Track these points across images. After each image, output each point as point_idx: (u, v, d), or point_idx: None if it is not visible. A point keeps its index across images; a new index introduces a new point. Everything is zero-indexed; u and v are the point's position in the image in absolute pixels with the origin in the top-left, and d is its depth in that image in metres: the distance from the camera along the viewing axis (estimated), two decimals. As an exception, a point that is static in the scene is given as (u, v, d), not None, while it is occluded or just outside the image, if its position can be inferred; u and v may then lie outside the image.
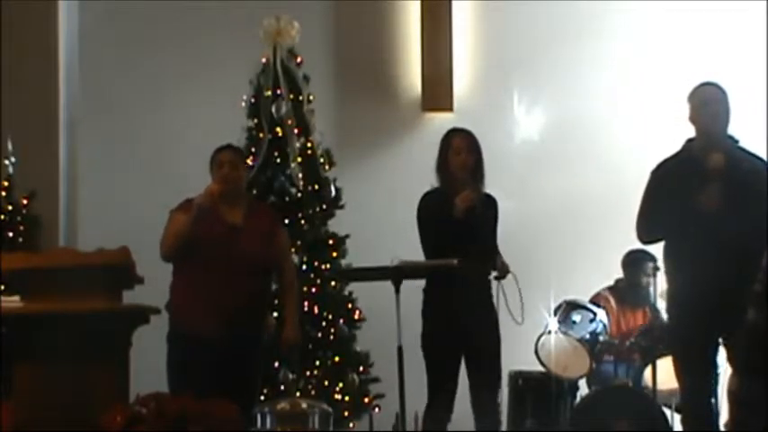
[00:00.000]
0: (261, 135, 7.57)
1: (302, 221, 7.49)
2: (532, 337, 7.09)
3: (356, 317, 7.54)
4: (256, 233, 6.07)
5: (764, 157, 5.93)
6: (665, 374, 7.08)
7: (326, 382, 7.29)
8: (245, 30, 7.93)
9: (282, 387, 7.05)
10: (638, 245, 7.73)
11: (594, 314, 7.31)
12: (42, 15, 8.25)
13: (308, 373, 7.30)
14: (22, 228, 7.49)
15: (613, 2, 8.81)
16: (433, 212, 6.12)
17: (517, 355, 7.11)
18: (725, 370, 5.45)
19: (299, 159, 7.54)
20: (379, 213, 8.53)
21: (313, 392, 7.13)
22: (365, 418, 7.41)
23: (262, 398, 6.77)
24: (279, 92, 7.59)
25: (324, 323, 7.40)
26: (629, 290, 7.80)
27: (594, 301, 7.64)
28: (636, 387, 7.22)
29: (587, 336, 7.24)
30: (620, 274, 7.90)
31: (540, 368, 7.16)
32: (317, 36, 8.69)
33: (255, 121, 7.62)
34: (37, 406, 5.20)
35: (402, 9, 8.95)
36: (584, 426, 6.84)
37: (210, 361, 5.83)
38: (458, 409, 6.12)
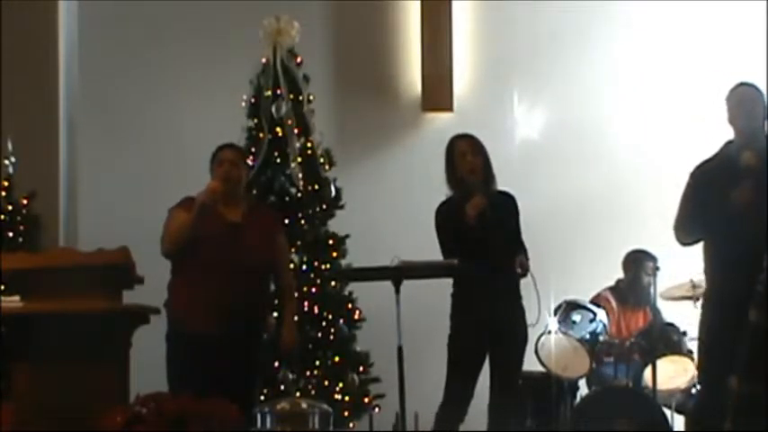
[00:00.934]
0: (261, 135, 7.57)
1: (302, 221, 7.49)
2: (532, 337, 7.08)
3: (356, 317, 7.53)
4: (256, 232, 6.07)
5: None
6: (665, 374, 7.10)
7: (326, 382, 7.29)
8: (245, 30, 7.93)
9: (282, 387, 7.05)
10: (637, 244, 7.79)
11: (594, 314, 7.31)
12: (42, 15, 8.25)
13: (308, 373, 7.30)
14: (22, 228, 7.48)
15: (613, 2, 8.80)
16: (447, 222, 6.15)
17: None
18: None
19: (299, 159, 7.54)
20: (379, 213, 8.53)
21: (313, 392, 7.13)
22: (365, 418, 7.41)
23: (262, 398, 6.77)
24: (279, 92, 7.59)
25: (324, 323, 7.40)
26: (629, 290, 7.81)
27: (595, 301, 7.64)
28: (636, 387, 7.22)
29: (587, 336, 7.24)
30: (620, 274, 7.91)
31: (540, 368, 7.16)
32: (317, 36, 8.69)
33: (255, 121, 7.62)
34: (37, 406, 5.21)
35: (402, 9, 8.95)
36: (584, 426, 6.84)
37: (209, 359, 5.83)
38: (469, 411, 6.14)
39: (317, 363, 7.34)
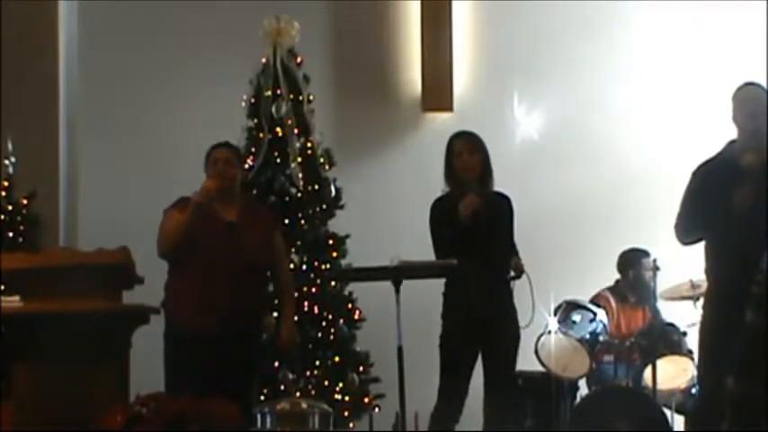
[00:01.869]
0: (261, 135, 7.56)
1: (302, 221, 7.48)
2: (532, 337, 7.09)
3: (356, 317, 7.53)
4: (252, 231, 6.07)
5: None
6: (665, 374, 7.09)
7: (326, 382, 7.29)
8: (245, 30, 7.93)
9: (282, 387, 7.04)
10: (636, 244, 7.79)
11: (594, 314, 7.31)
12: (42, 15, 8.25)
13: (308, 373, 7.30)
14: (22, 228, 7.48)
15: (613, 2, 8.80)
16: (440, 219, 6.17)
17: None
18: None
19: (299, 159, 7.53)
20: (379, 213, 8.53)
21: (313, 392, 7.13)
22: (365, 418, 7.41)
23: (262, 398, 6.77)
24: (279, 92, 7.58)
25: (324, 323, 7.40)
26: (630, 288, 7.80)
27: (595, 301, 7.64)
28: (636, 387, 7.22)
29: (587, 336, 7.24)
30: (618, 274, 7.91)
31: (540, 368, 7.16)
32: (317, 36, 8.69)
33: (255, 121, 7.61)
34: (37, 406, 5.20)
35: (402, 9, 8.95)
36: (584, 426, 6.84)
37: (206, 359, 5.83)
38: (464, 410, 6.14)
39: (317, 363, 7.34)
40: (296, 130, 7.58)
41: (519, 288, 6.16)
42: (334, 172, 7.70)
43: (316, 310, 7.38)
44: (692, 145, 8.02)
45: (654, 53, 8.89)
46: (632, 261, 7.77)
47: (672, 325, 7.41)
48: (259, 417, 5.62)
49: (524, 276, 6.10)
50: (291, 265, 6.97)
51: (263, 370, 6.70)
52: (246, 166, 7.25)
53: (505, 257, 6.10)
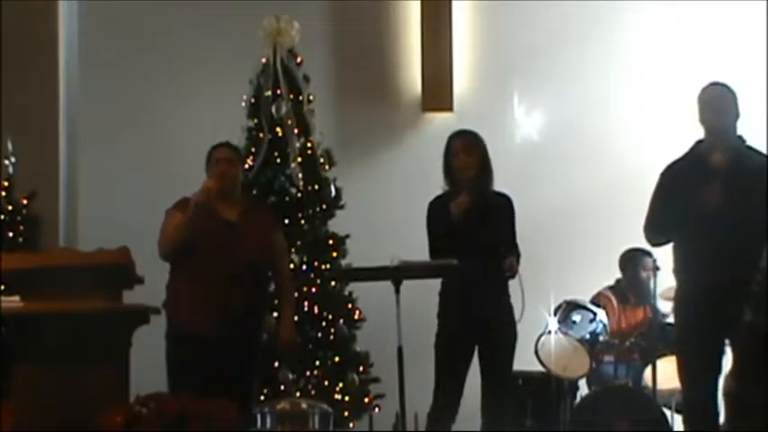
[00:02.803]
0: (261, 135, 7.56)
1: (302, 221, 7.48)
2: (532, 337, 7.09)
3: (356, 317, 7.53)
4: (252, 231, 6.07)
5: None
6: (664, 374, 7.09)
7: (326, 382, 7.28)
8: (245, 30, 7.93)
9: (282, 387, 7.05)
10: (636, 244, 7.78)
11: (594, 314, 7.31)
12: (42, 15, 8.25)
13: (308, 373, 7.30)
14: (22, 228, 7.48)
15: (613, 2, 8.80)
16: (435, 217, 6.18)
17: (517, 355, 7.11)
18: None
19: (299, 159, 7.53)
20: (379, 213, 8.53)
21: (313, 392, 7.13)
22: (365, 418, 7.41)
23: (262, 398, 6.77)
24: (279, 92, 7.58)
25: (324, 323, 7.40)
26: (630, 288, 7.80)
27: (595, 300, 7.64)
28: (636, 387, 7.22)
29: (587, 336, 7.24)
30: (620, 273, 7.90)
31: (540, 368, 7.16)
32: (317, 36, 8.69)
33: (255, 121, 7.61)
34: (37, 406, 5.20)
35: (402, 9, 8.95)
36: (584, 426, 6.84)
37: (208, 359, 5.83)
38: (461, 411, 6.14)
39: (317, 363, 7.34)
40: (296, 130, 7.57)
41: (510, 288, 6.15)
42: (334, 172, 7.70)
43: (316, 310, 7.38)
44: (691, 144, 8.02)
45: (654, 53, 8.88)
46: (631, 260, 7.77)
47: (672, 325, 7.41)
48: (259, 417, 5.61)
49: (517, 277, 6.09)
50: (291, 265, 6.97)
51: (263, 370, 6.70)
52: (246, 166, 7.25)
53: (498, 257, 6.09)
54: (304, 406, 5.69)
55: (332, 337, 7.41)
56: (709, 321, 5.62)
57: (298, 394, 6.88)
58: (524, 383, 7.17)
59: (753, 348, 3.15)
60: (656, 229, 5.92)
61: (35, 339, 5.26)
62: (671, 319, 7.52)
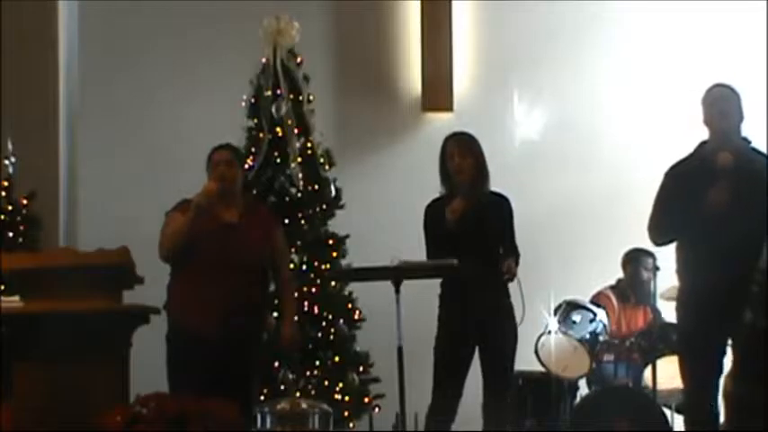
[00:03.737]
0: (261, 135, 7.56)
1: (302, 221, 7.48)
2: (532, 337, 7.09)
3: (356, 317, 7.53)
4: (252, 232, 6.07)
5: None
6: (665, 374, 7.09)
7: (326, 382, 7.28)
8: (244, 30, 7.93)
9: (282, 387, 7.05)
10: (637, 244, 7.78)
11: (594, 314, 7.31)
12: (42, 15, 8.24)
13: (308, 373, 7.29)
14: (22, 228, 7.48)
15: (614, 2, 8.80)
16: (431, 221, 6.18)
17: (517, 355, 7.11)
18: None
19: (299, 159, 7.53)
20: (379, 213, 8.53)
21: (313, 392, 7.13)
22: (365, 418, 7.41)
23: (262, 398, 6.77)
24: (279, 92, 7.58)
25: (324, 323, 7.40)
26: (630, 288, 7.80)
27: (596, 299, 7.64)
28: (636, 387, 7.22)
29: (587, 336, 7.24)
30: (620, 273, 7.90)
31: (540, 368, 7.16)
32: (317, 36, 8.69)
33: (255, 121, 7.61)
34: (37, 406, 5.20)
35: (402, 9, 8.95)
36: (584, 426, 6.84)
37: (208, 359, 5.83)
38: (461, 411, 6.14)
39: (317, 363, 7.34)
40: (296, 130, 7.57)
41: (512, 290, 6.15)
42: (334, 172, 7.70)
43: (316, 310, 7.38)
44: (691, 145, 8.01)
45: (653, 54, 8.88)
46: (632, 260, 7.77)
47: (672, 325, 7.41)
48: (259, 417, 5.61)
49: (516, 280, 6.08)
50: (291, 265, 6.97)
51: (263, 370, 6.70)
52: (246, 166, 7.24)
53: (496, 259, 6.08)
54: (304, 406, 5.69)
55: (332, 337, 7.41)
56: (712, 322, 5.63)
57: (298, 394, 6.87)
58: (524, 383, 7.18)
59: (753, 348, 3.15)
60: (660, 230, 5.92)
61: (35, 339, 5.26)
62: (671, 320, 7.53)
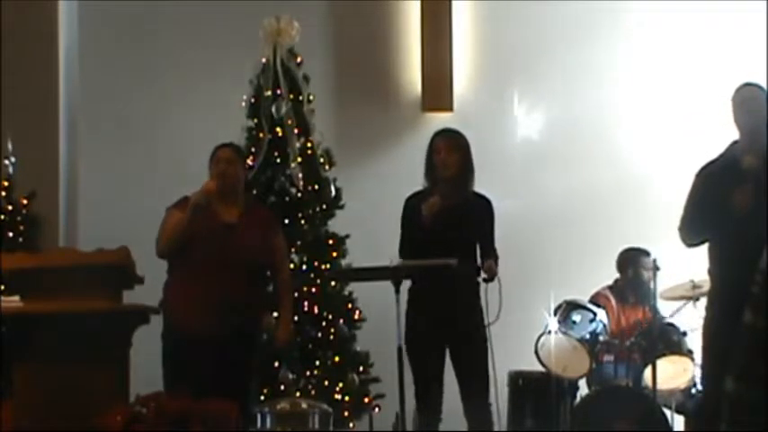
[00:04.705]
0: (261, 135, 7.56)
1: (302, 221, 7.48)
2: (532, 337, 7.09)
3: (356, 317, 7.53)
4: (252, 231, 6.06)
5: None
6: (664, 374, 7.09)
7: (326, 382, 7.28)
8: (245, 30, 7.93)
9: (282, 387, 7.04)
10: (637, 244, 7.79)
11: (594, 314, 7.31)
12: (42, 15, 8.24)
13: (308, 373, 7.30)
14: (22, 228, 7.49)
15: (613, 2, 8.80)
16: (406, 215, 6.15)
17: (517, 356, 7.11)
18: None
19: (299, 159, 7.53)
20: (379, 213, 8.51)
21: (313, 392, 7.13)
22: (365, 418, 7.41)
23: (262, 398, 6.77)
24: (279, 92, 7.58)
25: (324, 323, 7.40)
26: (629, 288, 7.79)
27: (594, 299, 7.64)
28: (636, 387, 7.22)
29: (587, 336, 7.24)
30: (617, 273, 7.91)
31: (540, 368, 7.16)
32: (317, 36, 8.69)
33: (255, 121, 7.61)
34: (37, 406, 5.21)
35: (402, 9, 8.94)
36: (584, 426, 6.84)
37: (205, 359, 5.82)
38: (449, 409, 6.13)
39: (317, 363, 7.34)
40: (296, 130, 7.57)
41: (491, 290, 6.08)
42: (334, 172, 7.70)
43: (316, 310, 7.37)
44: (691, 145, 8.02)
45: (653, 53, 8.88)
46: (631, 260, 7.76)
47: (672, 325, 7.41)
48: (259, 417, 5.62)
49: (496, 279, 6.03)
50: (291, 265, 6.97)
51: (263, 370, 6.70)
52: (246, 166, 7.25)
53: (469, 259, 6.02)
54: (304, 406, 5.70)
55: (332, 337, 7.41)
56: (739, 322, 5.59)
57: (298, 394, 6.87)
58: (524, 383, 7.17)
59: (753, 348, 3.15)
60: (691, 230, 5.90)
61: (35, 339, 5.26)
62: (671, 320, 7.53)
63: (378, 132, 8.86)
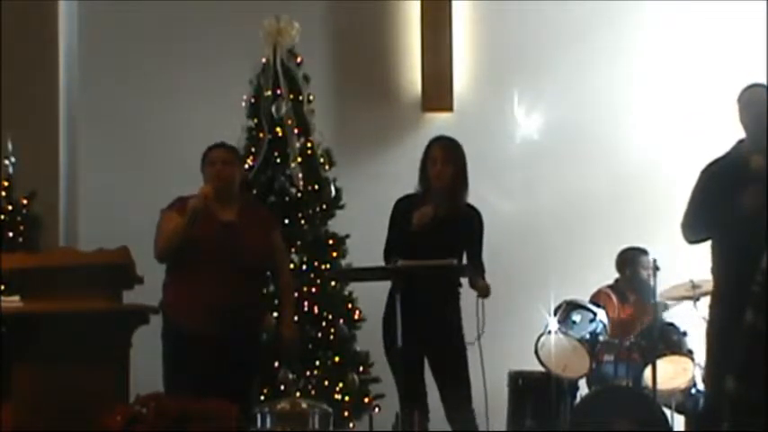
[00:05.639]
0: (261, 135, 7.56)
1: (302, 221, 7.48)
2: (532, 337, 7.09)
3: (356, 317, 7.53)
4: (250, 231, 6.05)
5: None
6: (664, 374, 7.10)
7: (326, 382, 7.28)
8: (244, 30, 7.93)
9: (282, 387, 7.04)
10: (636, 244, 7.79)
11: (594, 314, 7.32)
12: (42, 15, 8.24)
13: (308, 373, 7.29)
14: (22, 228, 7.48)
15: (613, 2, 8.80)
16: (395, 217, 6.15)
17: (517, 355, 7.11)
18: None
19: (299, 159, 7.53)
20: (379, 213, 8.49)
21: (313, 392, 7.13)
22: (365, 418, 7.40)
23: (262, 398, 6.77)
24: (279, 92, 7.58)
25: (324, 323, 7.40)
26: (629, 287, 7.80)
27: (595, 298, 7.64)
28: (636, 387, 7.22)
29: (587, 336, 7.24)
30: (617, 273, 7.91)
31: (540, 368, 7.16)
32: (317, 36, 8.69)
33: (255, 121, 7.61)
34: (36, 406, 5.20)
35: (402, 9, 8.94)
36: (584, 426, 6.84)
37: (204, 359, 5.82)
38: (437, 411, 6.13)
39: (317, 363, 7.34)
40: (296, 130, 7.57)
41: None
42: (334, 172, 7.70)
43: (316, 310, 7.38)
44: (691, 145, 8.03)
45: (653, 53, 8.88)
46: (630, 260, 7.77)
47: (672, 325, 7.42)
48: (259, 417, 5.61)
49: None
50: (291, 265, 6.97)
51: (263, 370, 6.70)
52: (246, 166, 7.25)
53: (456, 270, 5.98)
54: (304, 406, 5.69)
55: (332, 337, 7.41)
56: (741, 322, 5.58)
57: (298, 394, 6.87)
58: (524, 383, 7.18)
59: (753, 348, 3.15)
60: (694, 228, 5.90)
61: (35, 339, 5.26)
62: (671, 320, 7.53)
63: (378, 132, 8.86)
